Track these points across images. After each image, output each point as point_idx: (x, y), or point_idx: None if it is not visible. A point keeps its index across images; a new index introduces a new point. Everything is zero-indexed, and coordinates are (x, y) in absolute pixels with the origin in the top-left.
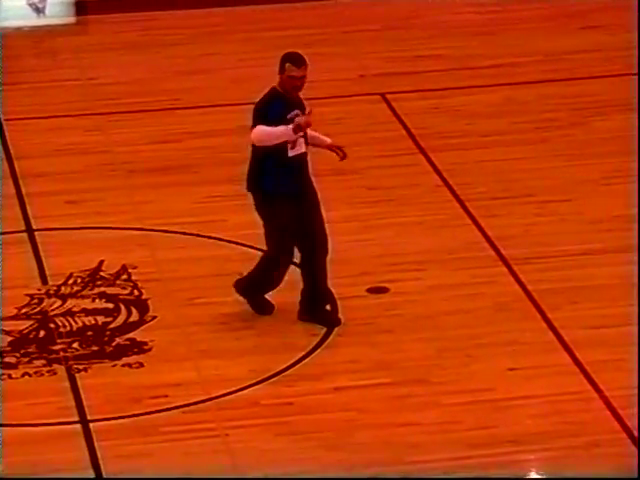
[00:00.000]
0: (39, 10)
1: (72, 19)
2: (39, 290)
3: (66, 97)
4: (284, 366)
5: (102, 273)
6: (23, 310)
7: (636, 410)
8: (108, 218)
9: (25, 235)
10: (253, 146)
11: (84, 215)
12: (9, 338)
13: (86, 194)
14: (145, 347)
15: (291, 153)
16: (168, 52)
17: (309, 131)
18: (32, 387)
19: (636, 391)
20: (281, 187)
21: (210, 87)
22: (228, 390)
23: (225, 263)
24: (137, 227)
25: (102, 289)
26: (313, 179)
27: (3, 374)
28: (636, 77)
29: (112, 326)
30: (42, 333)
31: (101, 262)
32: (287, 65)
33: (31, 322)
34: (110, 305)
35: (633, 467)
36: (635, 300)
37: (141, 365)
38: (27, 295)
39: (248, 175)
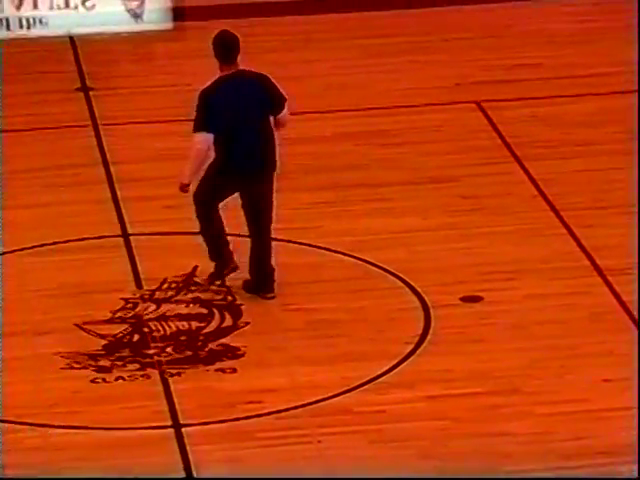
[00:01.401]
0: (137, 16)
1: (170, 25)
2: (134, 294)
3: (163, 103)
4: (376, 374)
5: (196, 278)
6: (118, 314)
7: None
8: None
9: (121, 240)
10: (268, 128)
11: (179, 220)
12: (103, 342)
13: (182, 199)
14: (238, 352)
15: None
16: (263, 59)
17: None
18: (126, 391)
19: None
20: None
21: (305, 94)
22: (321, 397)
23: (319, 270)
24: (232, 233)
25: (196, 294)
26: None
27: (97, 378)
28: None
29: (206, 331)
30: (136, 337)
31: (195, 267)
32: None
33: (125, 326)
34: (204, 310)
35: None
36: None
37: (234, 370)
38: (122, 299)
39: (271, 155)
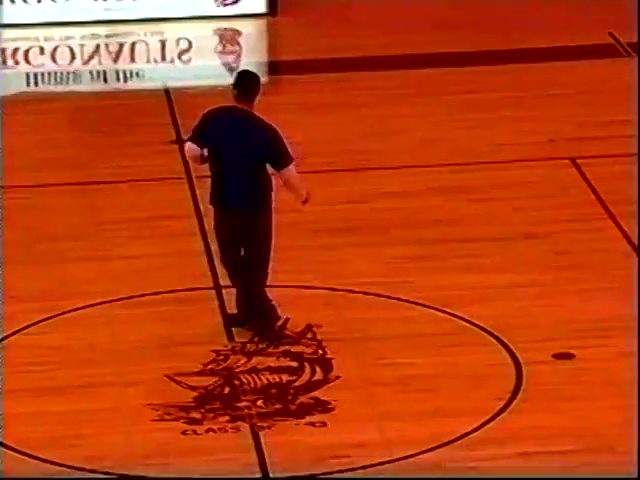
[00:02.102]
0: (233, 69)
1: (265, 79)
2: (225, 347)
3: None
4: (468, 430)
5: (287, 331)
6: (209, 366)
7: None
8: (295, 277)
9: (213, 292)
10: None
11: (271, 273)
12: (194, 394)
13: (274, 252)
14: (328, 406)
15: None
16: (359, 113)
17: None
18: (216, 443)
19: None
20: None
21: (399, 148)
22: (411, 452)
23: (411, 324)
24: (323, 286)
25: (287, 347)
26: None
27: (188, 430)
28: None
29: (296, 384)
30: (227, 390)
31: (286, 320)
32: None
33: (216, 378)
34: (294, 363)
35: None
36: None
37: (324, 424)
38: (213, 351)
39: (250, 195)
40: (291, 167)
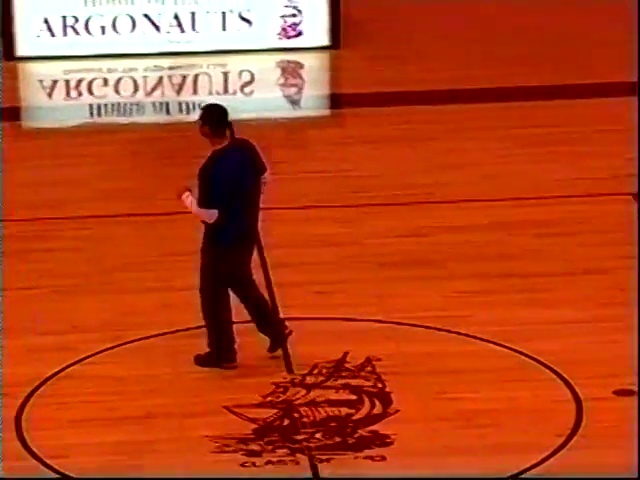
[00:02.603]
0: (295, 102)
1: (327, 112)
2: (284, 379)
3: (319, 188)
4: (527, 465)
5: (347, 364)
6: (268, 398)
7: None
8: (355, 309)
9: None
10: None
11: (332, 306)
12: (254, 426)
13: (335, 285)
14: (387, 440)
15: None
16: (422, 146)
17: None
18: (275, 475)
19: None
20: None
21: (462, 182)
22: None
23: (471, 359)
24: (383, 320)
25: (346, 380)
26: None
27: (247, 462)
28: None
29: (355, 418)
30: (286, 422)
31: (346, 353)
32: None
33: (275, 410)
34: (353, 397)
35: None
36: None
37: (383, 458)
38: (272, 383)
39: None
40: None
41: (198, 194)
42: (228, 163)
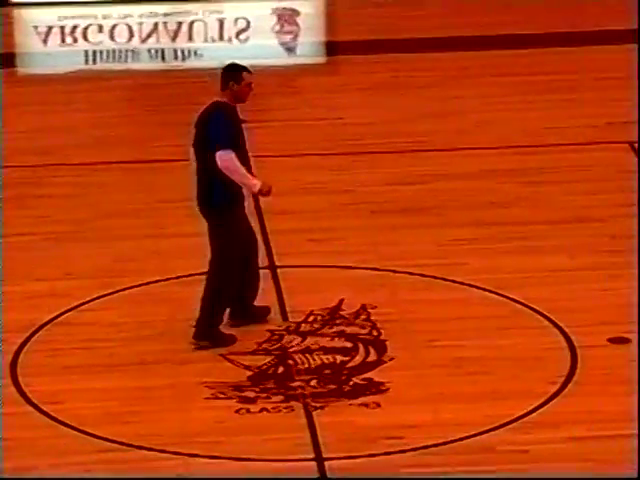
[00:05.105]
0: (290, 49)
1: (322, 59)
2: (279, 326)
3: (313, 136)
4: (521, 413)
5: (342, 312)
6: (263, 345)
7: None
8: (349, 257)
9: (268, 272)
10: (207, 165)
11: (326, 254)
12: (249, 373)
13: (329, 233)
14: (382, 387)
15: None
16: (415, 94)
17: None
18: (269, 422)
19: None
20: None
21: (455, 130)
22: (464, 434)
23: (465, 307)
24: (378, 267)
25: (341, 328)
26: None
27: (241, 409)
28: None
29: (350, 365)
30: (281, 369)
31: (341, 301)
32: (244, 74)
33: (270, 358)
34: (348, 344)
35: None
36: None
37: (377, 405)
38: (268, 331)
39: (201, 193)
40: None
41: (216, 137)
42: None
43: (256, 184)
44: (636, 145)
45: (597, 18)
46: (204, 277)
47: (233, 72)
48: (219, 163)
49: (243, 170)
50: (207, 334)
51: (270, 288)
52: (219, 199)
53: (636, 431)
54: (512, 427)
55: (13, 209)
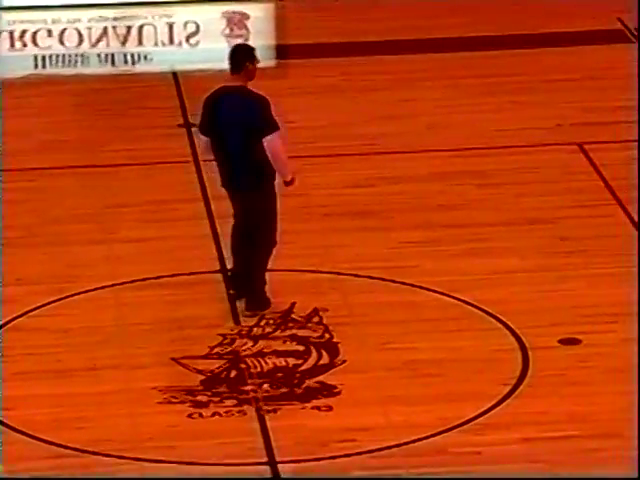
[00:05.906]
0: None
1: (272, 62)
2: (231, 330)
3: None
4: (473, 415)
5: (294, 315)
6: (215, 350)
7: None
8: (301, 260)
9: (220, 275)
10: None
11: (278, 257)
12: (201, 377)
13: (281, 236)
14: (334, 390)
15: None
16: (366, 97)
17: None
18: (222, 427)
19: None
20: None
21: (406, 133)
22: (416, 437)
23: (417, 309)
24: (330, 270)
25: (293, 331)
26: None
27: (194, 413)
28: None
29: (302, 368)
30: (233, 373)
31: (293, 304)
32: (256, 54)
33: (223, 362)
34: (301, 347)
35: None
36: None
37: (330, 408)
38: (219, 335)
39: (245, 173)
40: (274, 136)
41: (266, 122)
42: (220, 100)
43: (292, 172)
44: (585, 146)
45: (547, 20)
46: (235, 252)
47: (249, 52)
48: (269, 145)
49: (286, 156)
50: (264, 301)
51: (222, 292)
52: (261, 173)
53: (582, 432)
54: (464, 429)
55: None
